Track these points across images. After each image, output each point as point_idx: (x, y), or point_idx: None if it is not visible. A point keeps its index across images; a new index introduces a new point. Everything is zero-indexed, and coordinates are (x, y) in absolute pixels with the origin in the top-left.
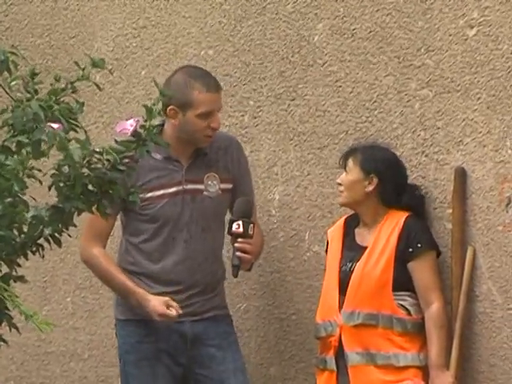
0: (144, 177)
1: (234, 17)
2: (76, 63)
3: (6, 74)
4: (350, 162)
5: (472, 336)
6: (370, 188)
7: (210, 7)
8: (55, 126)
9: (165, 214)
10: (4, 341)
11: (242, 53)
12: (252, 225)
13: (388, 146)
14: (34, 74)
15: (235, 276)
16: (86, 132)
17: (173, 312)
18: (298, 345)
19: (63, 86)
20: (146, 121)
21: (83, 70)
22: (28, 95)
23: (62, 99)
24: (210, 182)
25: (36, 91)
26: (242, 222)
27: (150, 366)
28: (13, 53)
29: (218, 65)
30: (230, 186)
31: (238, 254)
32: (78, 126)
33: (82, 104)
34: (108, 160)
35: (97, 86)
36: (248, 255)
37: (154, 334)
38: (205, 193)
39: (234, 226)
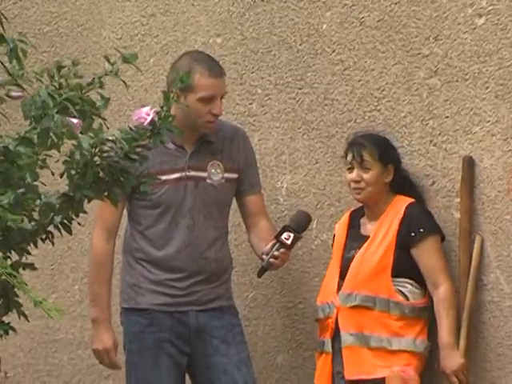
0: (147, 162)
1: (242, 5)
2: (106, 58)
3: (14, 61)
4: (368, 157)
5: (480, 325)
6: (390, 178)
7: None
8: (75, 121)
9: (167, 199)
10: (13, 329)
11: (250, 41)
12: (299, 240)
13: (381, 131)
14: (60, 67)
15: (259, 277)
16: (104, 122)
17: (105, 359)
18: (306, 333)
19: (89, 80)
20: (162, 108)
21: (113, 64)
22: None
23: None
24: (213, 170)
25: (61, 85)
26: (294, 236)
27: (153, 355)
28: (22, 41)
29: (226, 53)
30: (234, 175)
31: (272, 260)
32: (104, 120)
33: (107, 100)
34: (121, 148)
35: (124, 82)
36: (280, 263)
37: (156, 324)
38: (208, 180)
39: (285, 235)
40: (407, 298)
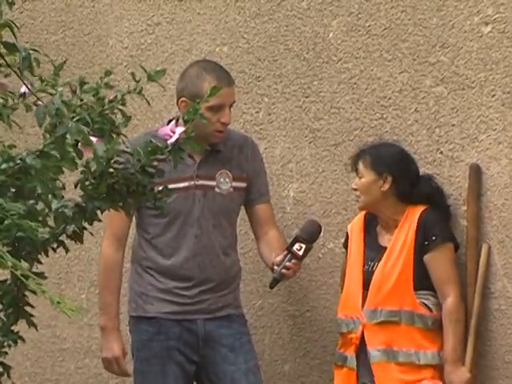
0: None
1: (248, 13)
2: (132, 75)
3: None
4: (361, 166)
5: (487, 333)
6: (386, 187)
7: (224, 4)
8: (94, 139)
9: (175, 208)
10: (22, 338)
11: (256, 50)
12: (310, 250)
13: (395, 142)
14: (83, 83)
15: (272, 288)
16: (124, 137)
17: (114, 367)
18: (313, 342)
19: (111, 97)
20: (187, 121)
21: (138, 81)
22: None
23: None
24: (222, 179)
25: (82, 100)
26: (306, 247)
27: (161, 364)
28: (34, 50)
29: (232, 61)
30: (243, 184)
31: (283, 271)
32: (124, 136)
33: (129, 118)
34: (139, 160)
35: (147, 101)
36: (291, 274)
37: (164, 332)
38: (216, 189)
39: (296, 246)
40: (430, 310)
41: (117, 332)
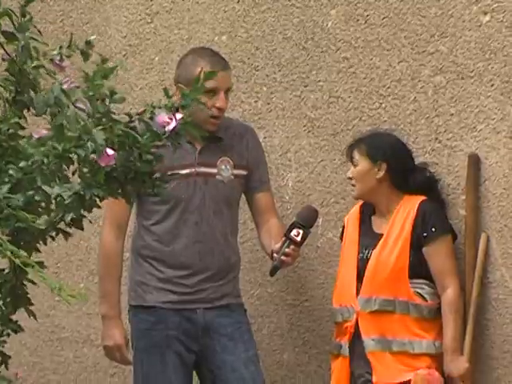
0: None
1: (247, 3)
2: (165, 90)
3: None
4: (356, 154)
5: (485, 322)
6: (381, 174)
7: None
8: (110, 152)
9: (176, 195)
10: (20, 327)
11: (255, 39)
12: (308, 235)
13: (390, 131)
14: (113, 93)
15: (272, 275)
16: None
17: (116, 355)
18: (311, 331)
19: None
20: (183, 107)
21: (170, 97)
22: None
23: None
24: (223, 167)
25: (109, 111)
26: (303, 232)
27: (160, 353)
28: (34, 39)
29: (231, 51)
30: (244, 172)
31: (283, 257)
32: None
33: (156, 135)
34: (137, 148)
35: (175, 117)
36: (291, 260)
37: (164, 321)
38: (217, 177)
39: (294, 232)
40: (425, 300)
41: (118, 320)
